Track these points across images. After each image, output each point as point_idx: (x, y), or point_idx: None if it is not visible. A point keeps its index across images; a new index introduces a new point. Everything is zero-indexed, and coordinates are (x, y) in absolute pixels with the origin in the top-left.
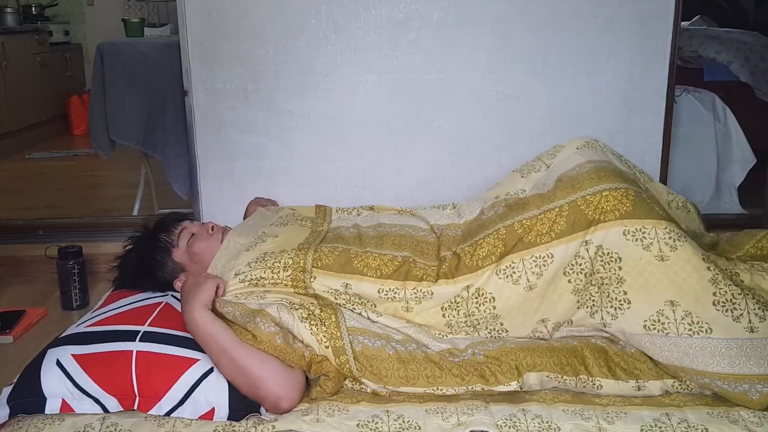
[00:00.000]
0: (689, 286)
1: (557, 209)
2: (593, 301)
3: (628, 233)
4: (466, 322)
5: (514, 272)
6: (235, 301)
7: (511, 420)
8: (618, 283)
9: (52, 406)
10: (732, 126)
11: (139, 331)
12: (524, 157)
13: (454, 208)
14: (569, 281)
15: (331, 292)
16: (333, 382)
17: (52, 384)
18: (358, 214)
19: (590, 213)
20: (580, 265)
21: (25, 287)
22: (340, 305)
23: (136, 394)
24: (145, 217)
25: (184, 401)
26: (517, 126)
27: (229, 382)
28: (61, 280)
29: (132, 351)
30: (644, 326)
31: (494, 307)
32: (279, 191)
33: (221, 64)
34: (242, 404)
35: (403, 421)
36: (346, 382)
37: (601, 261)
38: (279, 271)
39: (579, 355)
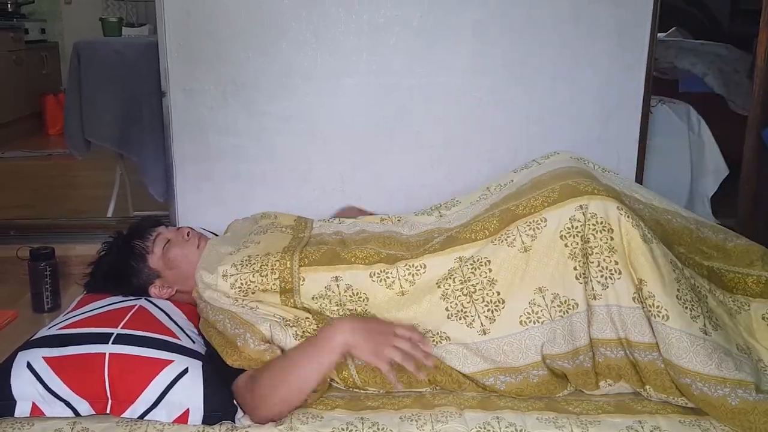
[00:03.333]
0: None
1: (549, 189)
2: (583, 269)
3: (621, 209)
4: (462, 289)
5: (509, 236)
6: (227, 309)
7: (485, 428)
8: (609, 252)
9: (21, 410)
10: (706, 137)
11: (113, 334)
12: (503, 162)
13: (441, 216)
14: (566, 245)
15: (321, 297)
16: (317, 394)
17: (23, 387)
18: (340, 223)
19: (582, 189)
20: (576, 228)
21: None
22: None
23: (109, 397)
24: (119, 219)
25: (158, 403)
26: (496, 131)
27: (204, 384)
28: (33, 282)
29: (105, 353)
30: (632, 298)
31: (490, 270)
32: (257, 194)
33: (200, 65)
34: (217, 406)
35: (378, 428)
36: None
37: (593, 228)
38: (267, 274)
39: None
